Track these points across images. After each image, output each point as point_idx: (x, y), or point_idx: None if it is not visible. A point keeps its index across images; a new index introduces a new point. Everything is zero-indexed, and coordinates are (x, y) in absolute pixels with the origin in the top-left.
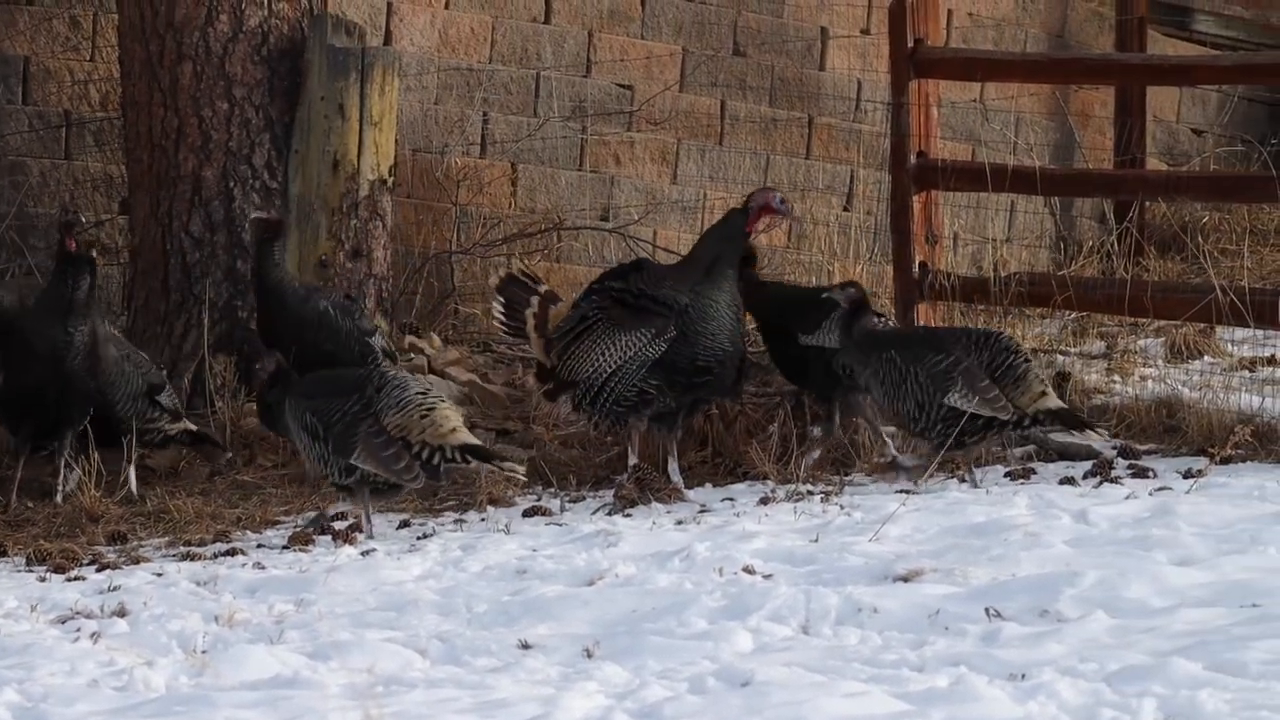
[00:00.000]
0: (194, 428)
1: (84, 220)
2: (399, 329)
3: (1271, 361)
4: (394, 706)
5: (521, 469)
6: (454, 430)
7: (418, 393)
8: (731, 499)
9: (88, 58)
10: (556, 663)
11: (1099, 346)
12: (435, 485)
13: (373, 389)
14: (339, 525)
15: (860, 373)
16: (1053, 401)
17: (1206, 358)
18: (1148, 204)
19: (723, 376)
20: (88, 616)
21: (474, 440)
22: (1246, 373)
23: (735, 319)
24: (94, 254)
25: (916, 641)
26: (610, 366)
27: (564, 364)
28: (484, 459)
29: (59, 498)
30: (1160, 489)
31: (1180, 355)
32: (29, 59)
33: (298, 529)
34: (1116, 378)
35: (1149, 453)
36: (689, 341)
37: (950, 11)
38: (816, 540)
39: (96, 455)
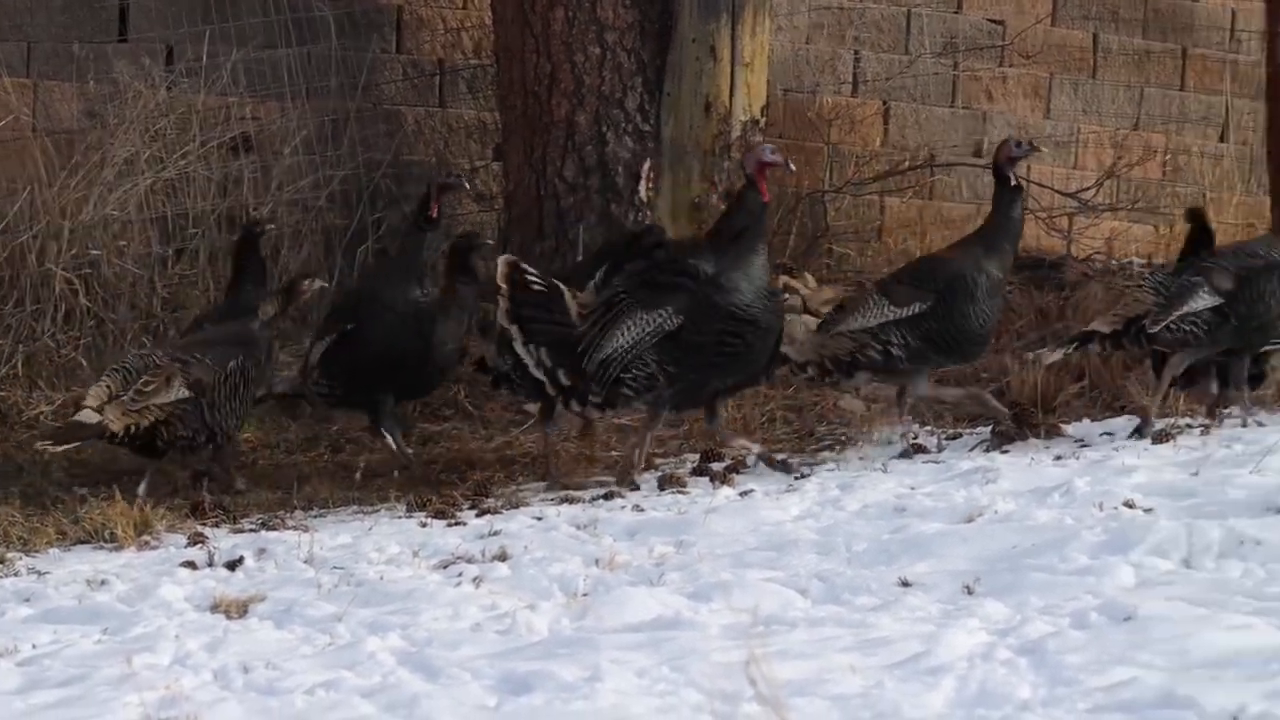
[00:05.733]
0: None
1: (467, 186)
2: (774, 269)
3: None
4: (776, 646)
5: None
6: None
7: None
8: (1110, 433)
9: (460, 6)
10: (937, 600)
11: None
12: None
13: None
14: (716, 466)
15: None
16: None
17: None
18: None
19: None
20: (469, 561)
21: None
22: None
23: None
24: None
25: None
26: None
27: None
28: None
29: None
30: None
31: None
32: (402, 8)
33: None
34: None
35: None
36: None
37: None
38: (1197, 473)
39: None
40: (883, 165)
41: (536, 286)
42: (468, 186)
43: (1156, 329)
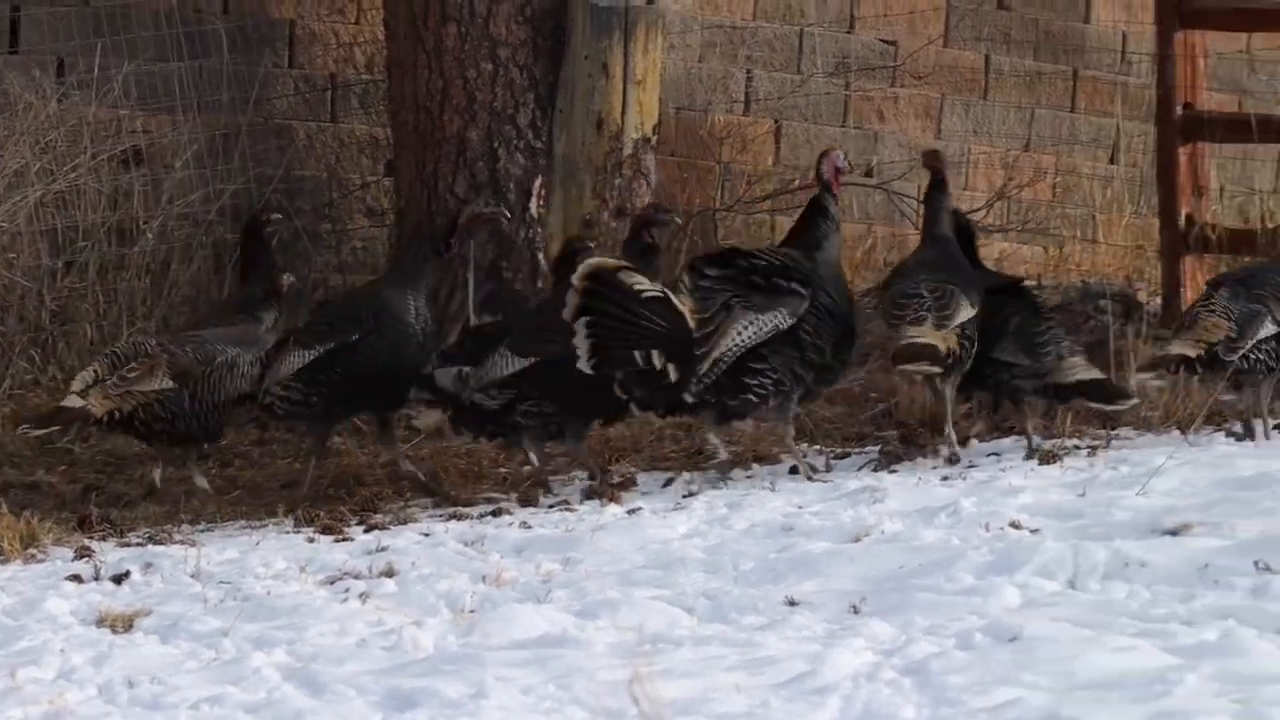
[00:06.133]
0: None
1: (506, 217)
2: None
3: None
4: (662, 664)
5: None
6: None
7: None
8: (997, 454)
9: (353, 20)
10: (823, 619)
11: None
12: (699, 445)
13: None
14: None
15: None
16: None
17: None
18: None
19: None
20: (356, 577)
21: None
22: None
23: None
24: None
25: (1185, 595)
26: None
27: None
28: None
29: None
30: None
31: None
32: (294, 22)
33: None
34: None
35: None
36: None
37: None
38: (1083, 495)
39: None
40: (774, 184)
41: (649, 294)
42: (506, 218)
43: (1233, 357)
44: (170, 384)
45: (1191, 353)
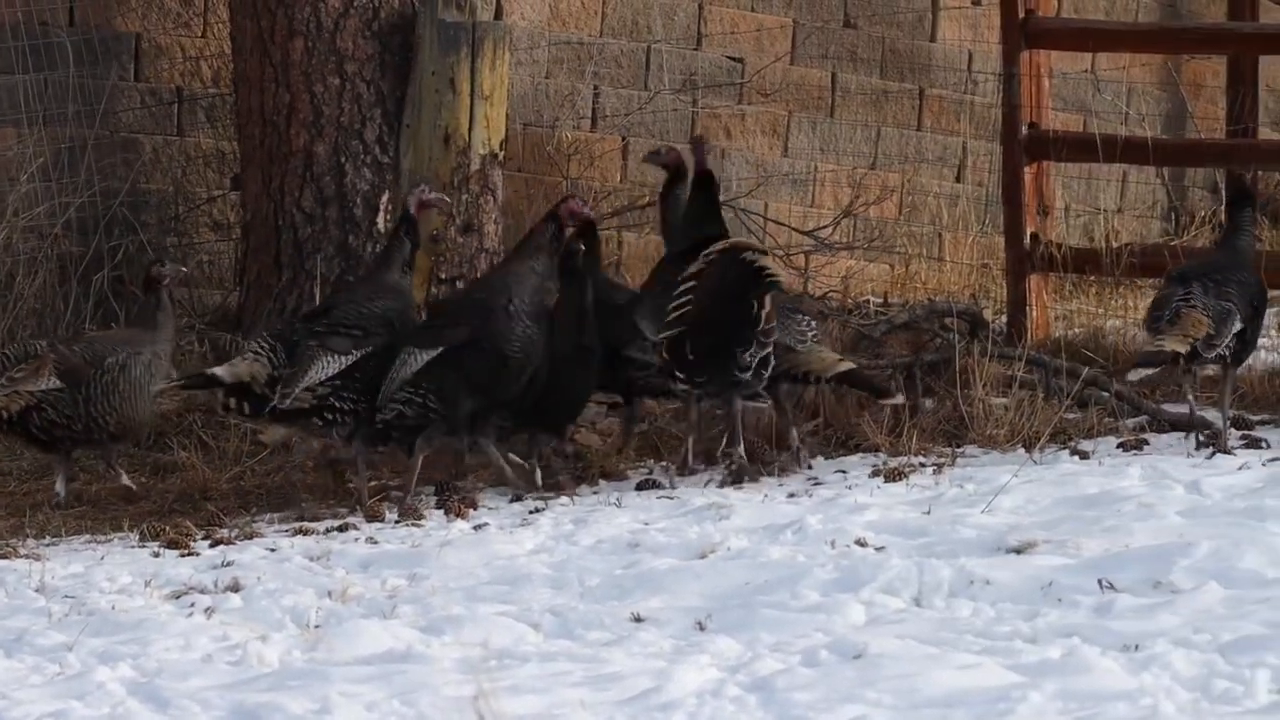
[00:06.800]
0: None
1: (447, 199)
2: None
3: None
4: (507, 680)
5: None
6: None
7: None
8: (844, 471)
9: (199, 34)
10: (669, 636)
11: None
12: (550, 459)
13: None
14: (452, 499)
15: None
16: None
17: None
18: (1260, 174)
19: None
20: (201, 592)
21: None
22: None
23: None
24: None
25: (1029, 613)
26: None
27: None
28: None
29: None
30: (1273, 459)
31: None
32: (140, 36)
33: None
34: None
35: (1262, 423)
36: None
37: None
38: (929, 512)
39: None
40: (621, 200)
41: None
42: (447, 201)
43: (1212, 355)
44: (57, 383)
45: (1183, 348)
